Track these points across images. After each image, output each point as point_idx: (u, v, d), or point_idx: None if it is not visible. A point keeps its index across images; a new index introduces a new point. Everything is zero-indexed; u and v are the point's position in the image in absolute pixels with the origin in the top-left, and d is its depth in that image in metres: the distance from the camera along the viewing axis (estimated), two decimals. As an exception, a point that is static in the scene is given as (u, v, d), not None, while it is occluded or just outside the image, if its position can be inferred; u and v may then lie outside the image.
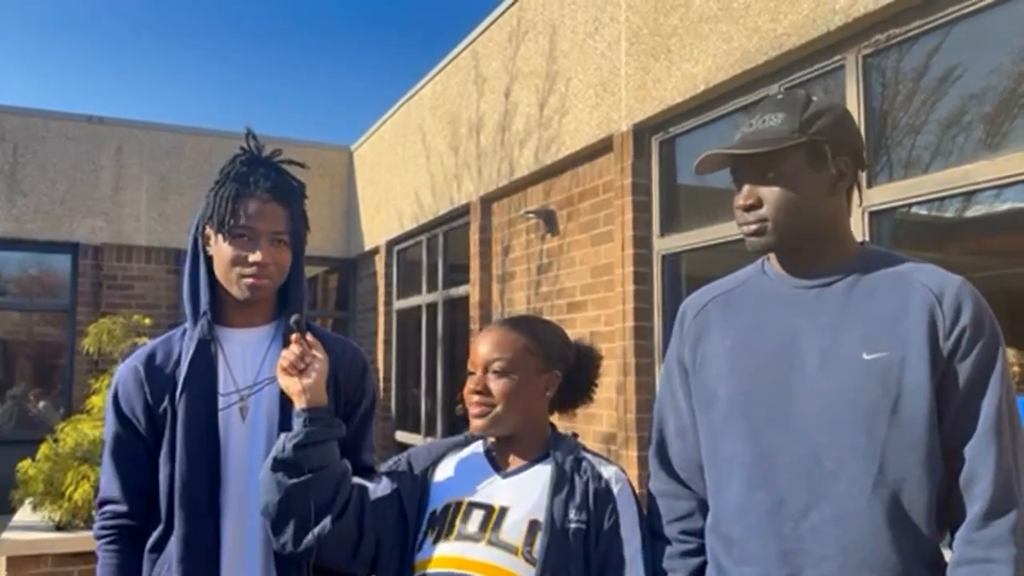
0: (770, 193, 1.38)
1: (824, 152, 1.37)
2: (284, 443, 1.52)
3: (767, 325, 1.43)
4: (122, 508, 1.68)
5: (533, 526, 1.48)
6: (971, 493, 1.26)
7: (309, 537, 1.49)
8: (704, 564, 1.50)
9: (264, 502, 1.53)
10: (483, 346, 1.62)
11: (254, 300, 1.73)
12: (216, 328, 1.73)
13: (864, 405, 1.30)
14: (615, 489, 1.54)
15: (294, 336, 1.62)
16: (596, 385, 1.72)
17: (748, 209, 1.41)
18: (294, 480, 1.49)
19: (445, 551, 1.49)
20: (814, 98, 1.42)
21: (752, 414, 1.40)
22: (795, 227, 1.39)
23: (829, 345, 1.35)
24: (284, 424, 1.69)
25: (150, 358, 1.72)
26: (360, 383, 1.85)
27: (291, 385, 1.58)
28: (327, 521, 1.49)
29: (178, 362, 1.70)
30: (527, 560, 1.45)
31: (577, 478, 1.53)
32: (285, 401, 1.69)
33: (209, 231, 1.73)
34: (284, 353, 1.62)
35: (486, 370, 1.59)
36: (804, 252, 1.42)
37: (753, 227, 1.41)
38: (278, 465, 1.51)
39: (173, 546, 1.61)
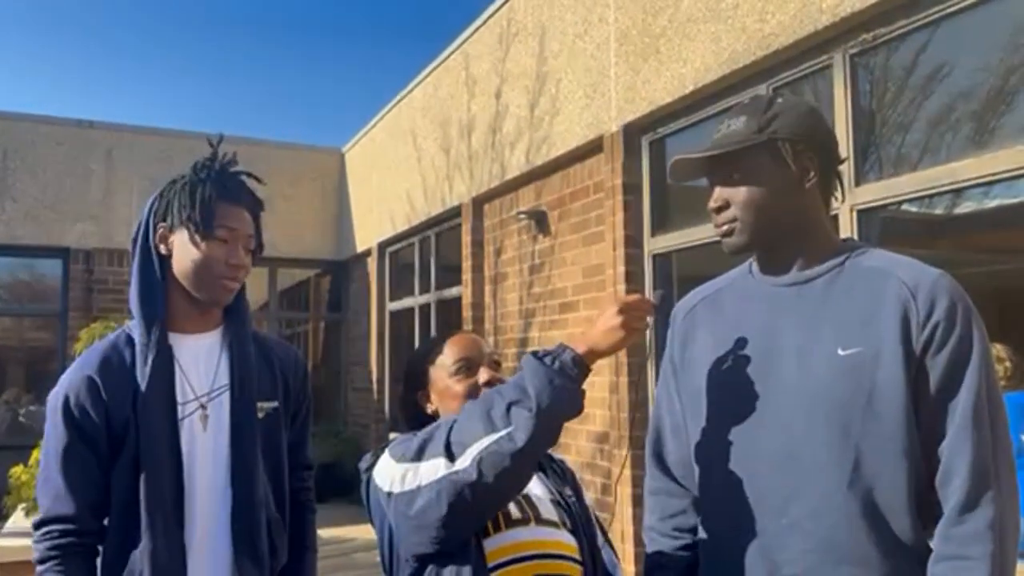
0: (736, 193, 1.42)
1: (785, 150, 1.39)
2: (578, 399, 1.32)
3: (748, 324, 1.45)
4: (74, 526, 1.58)
5: (554, 504, 1.55)
6: (948, 488, 1.26)
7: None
8: (697, 560, 1.53)
9: (535, 441, 1.29)
10: (476, 346, 1.65)
11: (223, 303, 1.73)
12: (168, 334, 1.68)
13: (838, 401, 1.31)
14: (566, 462, 1.74)
15: (652, 308, 1.41)
16: None
17: (717, 211, 1.45)
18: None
19: (500, 541, 1.47)
20: (779, 99, 1.45)
21: (732, 412, 1.43)
22: (763, 224, 1.41)
23: (806, 342, 1.36)
24: (240, 431, 1.69)
25: (104, 367, 1.64)
26: (304, 386, 1.89)
27: (620, 345, 1.36)
28: None
29: (132, 370, 1.64)
30: (571, 533, 1.52)
31: (548, 463, 1.67)
32: (238, 408, 1.70)
33: (170, 229, 1.70)
34: (644, 321, 1.38)
35: (492, 364, 1.63)
36: (780, 250, 1.44)
37: (724, 227, 1.45)
38: (565, 418, 1.33)
39: (140, 561, 1.57)
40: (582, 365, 1.32)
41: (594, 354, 1.34)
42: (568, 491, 1.61)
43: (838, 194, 1.49)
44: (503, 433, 1.29)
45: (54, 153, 8.39)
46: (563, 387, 1.29)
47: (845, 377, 1.31)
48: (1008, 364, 3.29)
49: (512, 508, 1.51)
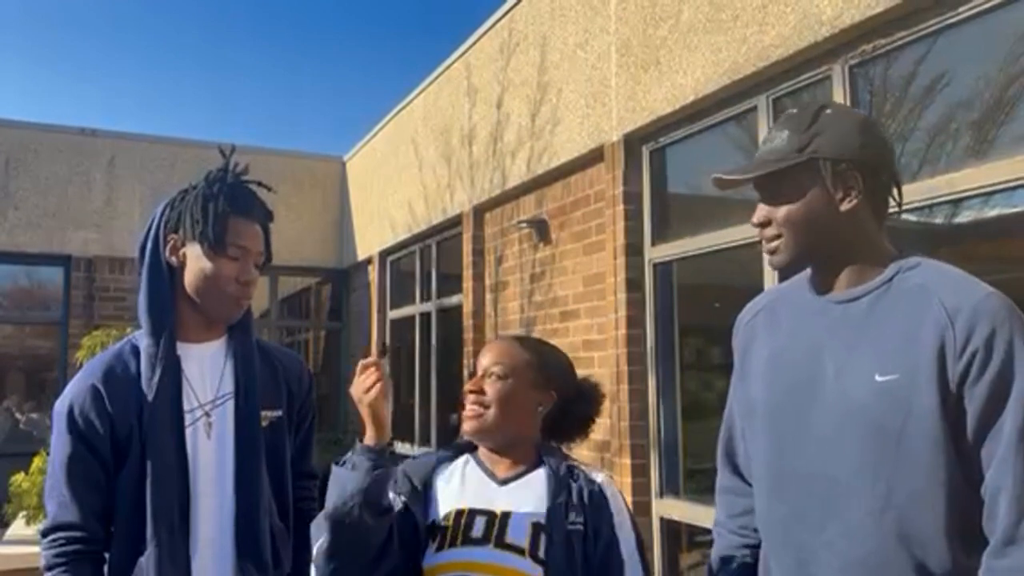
0: (777, 212, 1.41)
1: (825, 169, 1.36)
2: (365, 482, 1.41)
3: (799, 339, 1.45)
4: (80, 534, 1.61)
5: (536, 528, 1.53)
6: (993, 520, 1.24)
7: (384, 568, 1.48)
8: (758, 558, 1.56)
9: (339, 542, 1.42)
10: (487, 353, 1.68)
11: (233, 318, 1.74)
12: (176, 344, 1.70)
13: (873, 426, 1.30)
14: (607, 492, 1.59)
15: (377, 360, 1.49)
16: (593, 422, 1.75)
17: (760, 227, 1.45)
18: (378, 518, 1.44)
19: (452, 557, 1.52)
20: (826, 112, 1.41)
21: (777, 426, 1.44)
22: (804, 244, 1.40)
23: (846, 363, 1.36)
24: (244, 439, 1.70)
25: (108, 376, 1.66)
26: (308, 395, 1.91)
27: (385, 413, 1.46)
28: (395, 548, 1.49)
29: (137, 379, 1.66)
30: (535, 560, 1.50)
31: (572, 483, 1.58)
32: (242, 416, 1.71)
33: (181, 242, 1.70)
34: (373, 378, 1.47)
35: (485, 375, 1.64)
36: (826, 268, 1.43)
37: (769, 245, 1.44)
38: (366, 506, 1.42)
39: (145, 569, 1.59)
40: (368, 449, 1.44)
41: (373, 430, 1.46)
42: (575, 516, 1.53)
43: (893, 208, 1.45)
44: (318, 544, 1.45)
45: (56, 161, 8.41)
46: (352, 478, 1.42)
47: (881, 403, 1.29)
48: None
49: (479, 524, 1.53)
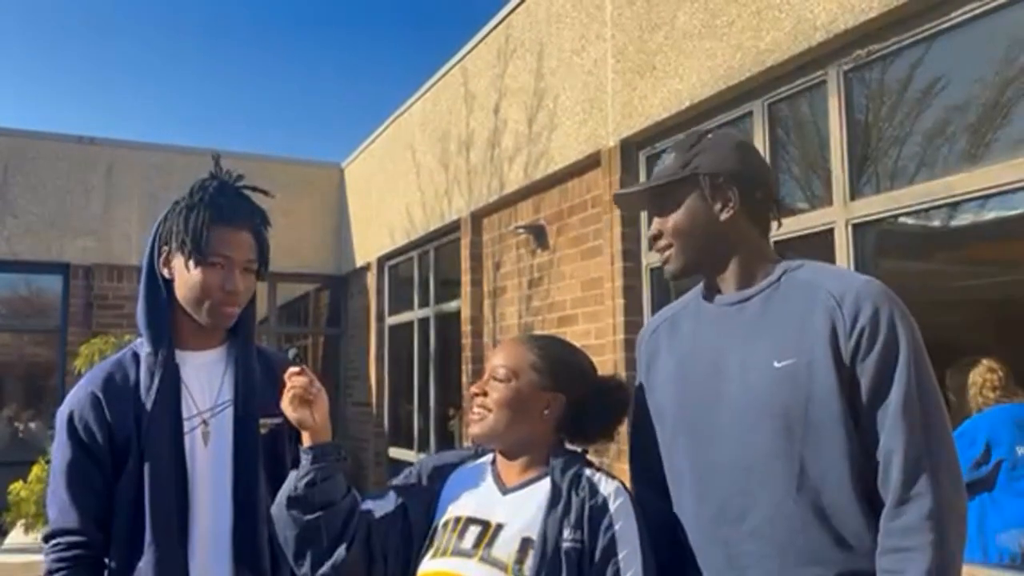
0: (665, 223, 1.58)
1: (704, 183, 1.53)
2: (296, 482, 1.54)
3: (701, 344, 1.56)
4: (80, 539, 1.62)
5: (525, 544, 1.47)
6: (887, 485, 1.33)
7: (326, 567, 1.53)
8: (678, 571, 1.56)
9: (282, 536, 1.56)
10: (496, 354, 1.67)
11: (224, 326, 1.75)
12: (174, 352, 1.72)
13: (778, 411, 1.39)
14: (612, 505, 1.48)
15: (299, 368, 1.61)
16: (617, 423, 1.69)
17: (653, 239, 1.61)
18: (308, 516, 1.52)
19: (438, 566, 1.52)
20: (708, 137, 1.59)
21: (692, 430, 1.52)
22: (692, 251, 1.56)
23: (746, 357, 1.46)
24: (242, 447, 1.71)
25: (107, 384, 1.68)
26: None
27: (305, 419, 1.59)
28: (342, 550, 1.53)
29: (136, 387, 1.68)
30: None
31: (574, 495, 1.50)
32: (240, 424, 1.72)
33: (170, 253, 1.72)
34: (294, 384, 1.59)
35: (491, 377, 1.63)
36: (715, 273, 1.57)
37: (663, 255, 1.60)
38: (292, 503, 1.54)
39: (144, 574, 1.60)
40: (309, 453, 1.56)
41: (312, 437, 1.59)
42: (572, 533, 1.45)
43: (775, 218, 1.60)
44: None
45: (55, 169, 8.41)
46: (297, 487, 1.54)
47: (782, 388, 1.39)
48: (1000, 374, 3.33)
49: (470, 535, 1.52)
